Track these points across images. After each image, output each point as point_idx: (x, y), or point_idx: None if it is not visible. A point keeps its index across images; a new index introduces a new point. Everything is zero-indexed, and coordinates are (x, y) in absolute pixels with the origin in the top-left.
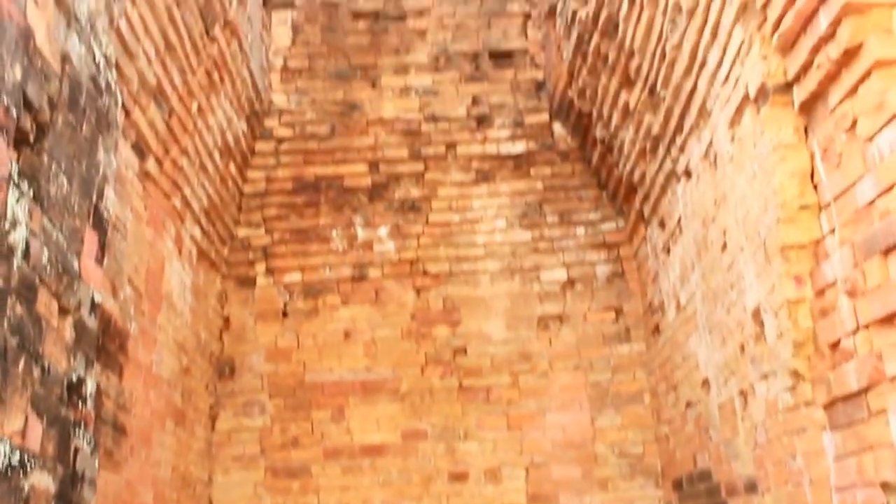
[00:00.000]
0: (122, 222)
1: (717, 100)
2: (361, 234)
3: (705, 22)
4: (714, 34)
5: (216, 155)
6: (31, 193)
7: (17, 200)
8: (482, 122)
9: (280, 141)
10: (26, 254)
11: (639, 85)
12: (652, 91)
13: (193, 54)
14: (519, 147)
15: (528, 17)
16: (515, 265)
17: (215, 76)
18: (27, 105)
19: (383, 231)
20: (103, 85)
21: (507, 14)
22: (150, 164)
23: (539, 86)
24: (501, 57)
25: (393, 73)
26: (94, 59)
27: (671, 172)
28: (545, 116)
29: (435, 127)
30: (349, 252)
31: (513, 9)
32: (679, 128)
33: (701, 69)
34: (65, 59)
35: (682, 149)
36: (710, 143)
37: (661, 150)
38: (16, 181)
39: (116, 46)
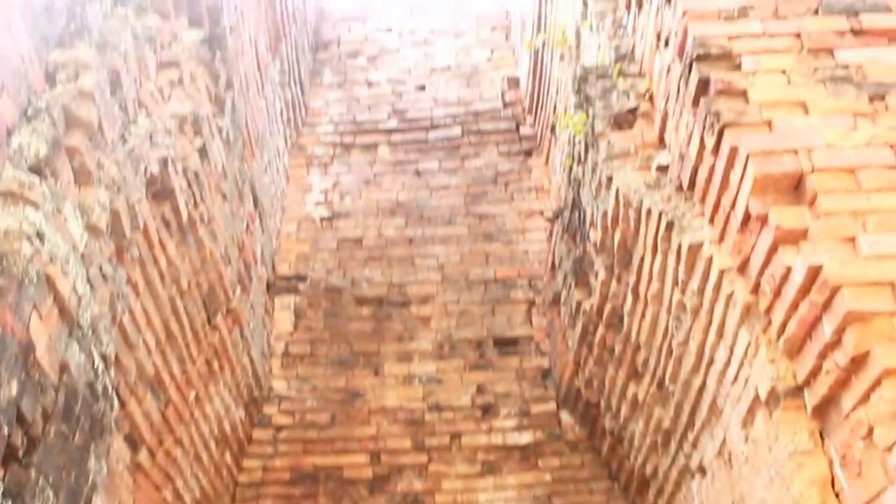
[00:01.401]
0: None
1: (728, 398)
2: None
3: (710, 322)
4: (720, 334)
5: (212, 444)
6: None
7: None
8: (487, 411)
9: (279, 429)
10: None
11: (647, 378)
12: (661, 385)
13: (194, 343)
14: (526, 437)
15: (532, 304)
16: None
17: (215, 365)
18: (20, 420)
19: None
20: (100, 390)
21: (511, 301)
22: (143, 456)
23: (545, 374)
24: (506, 345)
25: (396, 361)
26: (93, 364)
27: (685, 468)
28: (552, 405)
29: (439, 417)
30: None
31: (517, 296)
32: (690, 423)
33: (709, 367)
34: (63, 368)
35: (694, 445)
36: (724, 442)
37: (673, 445)
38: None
39: (117, 340)
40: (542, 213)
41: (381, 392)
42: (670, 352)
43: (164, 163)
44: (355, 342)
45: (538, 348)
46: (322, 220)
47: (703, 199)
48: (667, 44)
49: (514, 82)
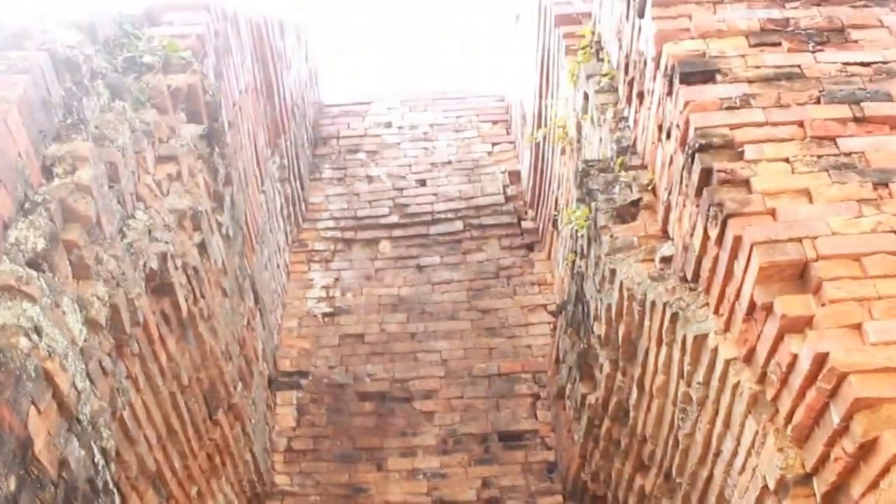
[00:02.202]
0: None
1: (736, 489)
2: None
3: (716, 413)
4: (727, 425)
5: None
6: None
7: None
8: None
9: None
10: None
11: (653, 470)
12: (667, 477)
13: (195, 439)
14: None
15: (536, 398)
16: None
17: (217, 460)
18: None
19: None
20: (100, 485)
21: (515, 395)
22: None
23: (551, 468)
24: (511, 439)
25: (400, 456)
26: (93, 459)
27: None
28: (559, 499)
29: None
30: None
31: (521, 390)
32: None
33: (716, 458)
34: (63, 464)
35: None
36: None
37: None
38: None
39: (118, 434)
40: (545, 308)
41: (385, 487)
42: (677, 444)
43: (163, 258)
44: (358, 437)
45: (543, 442)
46: (324, 315)
47: (707, 290)
48: (668, 135)
49: (515, 176)
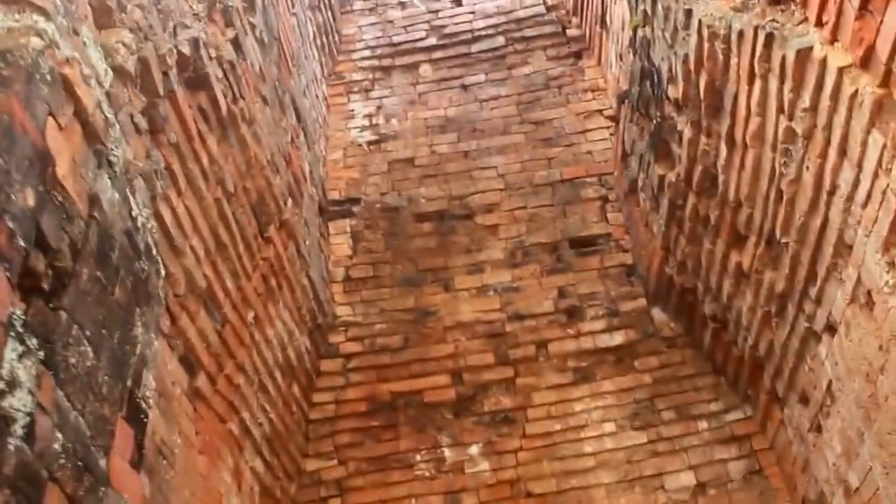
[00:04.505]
0: (169, 448)
1: (860, 227)
2: (450, 455)
3: (828, 141)
4: (842, 151)
5: (277, 374)
6: (42, 355)
7: (20, 358)
8: (572, 315)
9: (348, 357)
10: (30, 434)
11: (752, 240)
12: (770, 242)
13: (247, 256)
14: (618, 338)
15: (605, 200)
16: (634, 474)
17: (272, 282)
18: (41, 243)
19: (475, 450)
20: (142, 246)
21: (581, 200)
22: (202, 381)
23: (629, 271)
24: (583, 245)
25: (467, 274)
26: (131, 212)
27: (808, 333)
28: (642, 302)
29: (521, 326)
30: (437, 478)
31: (588, 194)
32: (811, 276)
33: (831, 198)
34: (93, 201)
35: (818, 301)
36: (858, 282)
37: (790, 310)
38: (19, 331)
39: (161, 245)
40: (601, 113)
41: (455, 307)
42: (780, 196)
43: (195, 44)
44: (420, 259)
45: (618, 245)
46: (369, 144)
47: (804, 3)
48: None
49: None
